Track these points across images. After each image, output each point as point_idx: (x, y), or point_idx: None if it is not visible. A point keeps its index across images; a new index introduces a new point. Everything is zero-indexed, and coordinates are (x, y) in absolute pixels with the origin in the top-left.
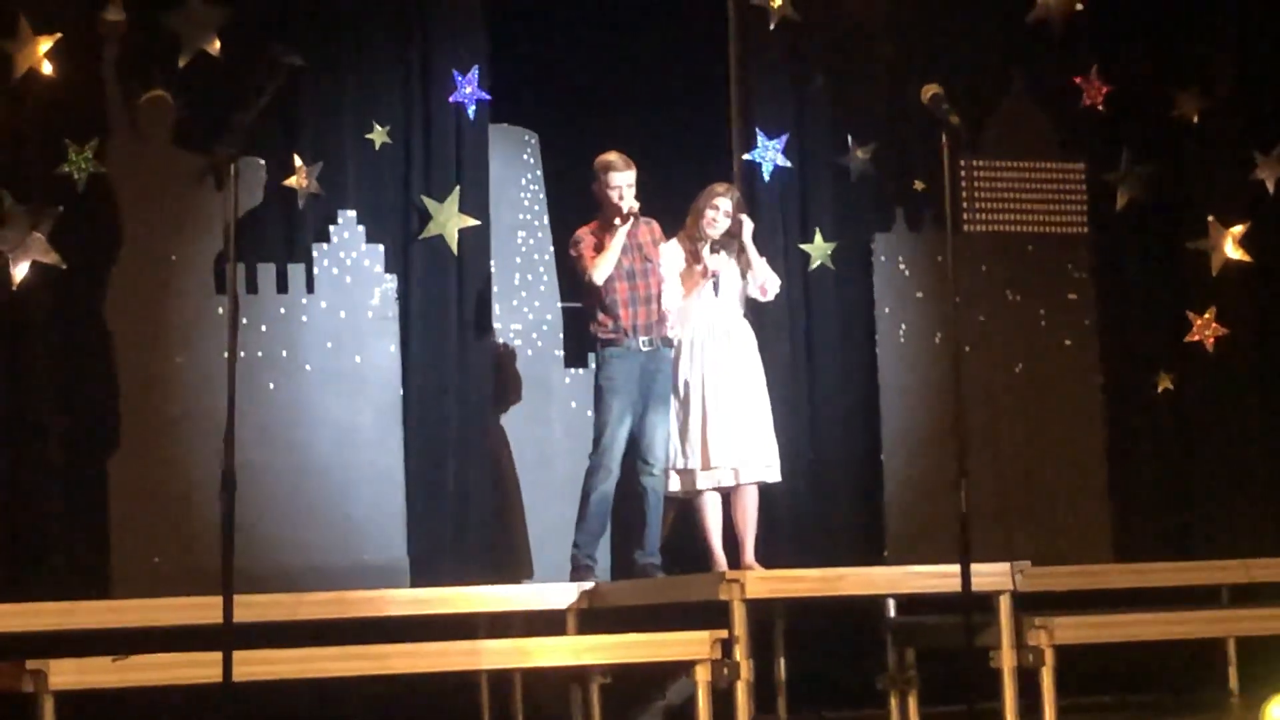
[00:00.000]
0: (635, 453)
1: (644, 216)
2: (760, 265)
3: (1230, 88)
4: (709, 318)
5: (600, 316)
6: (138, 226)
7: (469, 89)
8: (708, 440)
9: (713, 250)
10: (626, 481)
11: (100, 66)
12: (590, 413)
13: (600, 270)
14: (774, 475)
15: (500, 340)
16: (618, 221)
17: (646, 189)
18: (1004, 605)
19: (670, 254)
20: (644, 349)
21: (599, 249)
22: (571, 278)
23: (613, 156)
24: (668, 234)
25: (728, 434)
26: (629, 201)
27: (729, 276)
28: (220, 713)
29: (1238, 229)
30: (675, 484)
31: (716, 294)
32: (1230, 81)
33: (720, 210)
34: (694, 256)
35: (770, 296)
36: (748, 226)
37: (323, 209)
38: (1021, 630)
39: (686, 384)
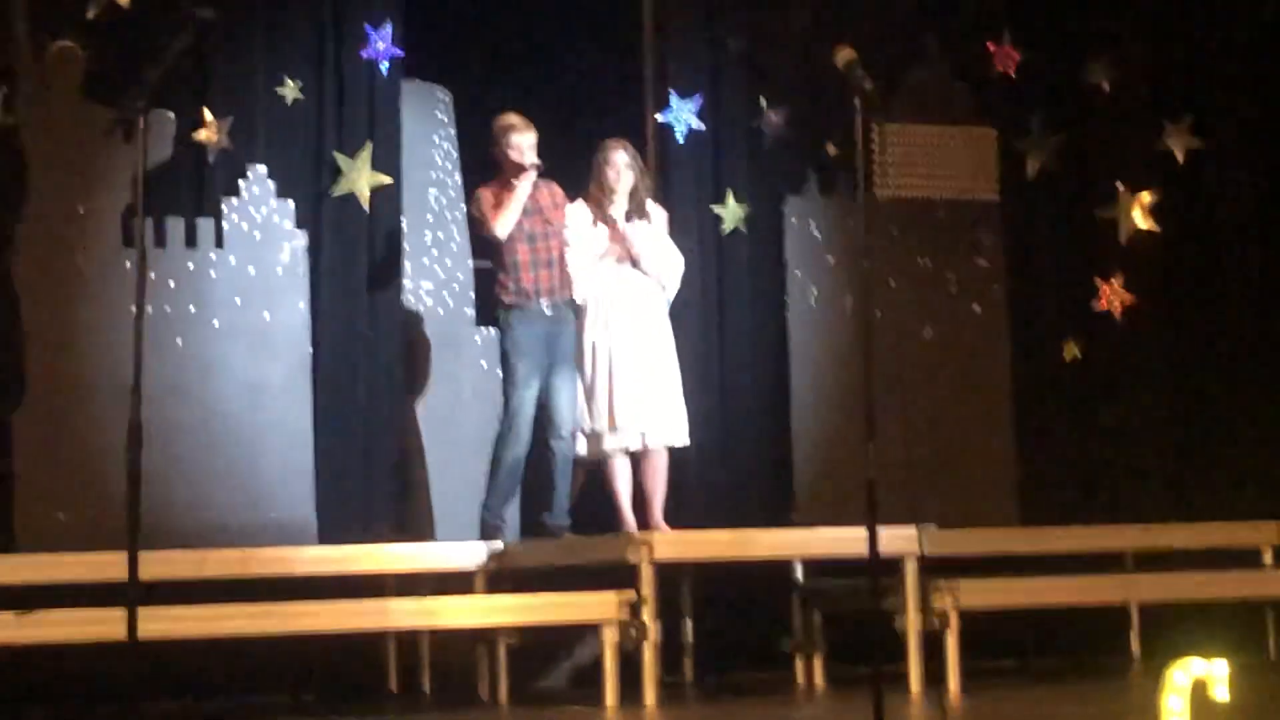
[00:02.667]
0: (542, 415)
1: (544, 178)
2: (655, 263)
3: (1141, 56)
4: (617, 279)
5: (501, 279)
6: (45, 179)
7: (382, 44)
8: (614, 403)
9: (628, 218)
10: (534, 444)
11: (8, 14)
12: (499, 372)
13: (502, 224)
14: (682, 439)
15: (410, 298)
16: (516, 181)
17: (556, 149)
18: (910, 569)
19: (576, 215)
20: (547, 312)
21: (498, 206)
22: (475, 234)
23: (513, 118)
24: (572, 196)
25: (635, 397)
26: (530, 159)
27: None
28: (125, 669)
29: (1147, 197)
30: (583, 447)
31: (634, 264)
32: (1141, 50)
33: (618, 165)
34: (601, 217)
35: (670, 293)
36: (639, 239)
37: (233, 164)
38: (927, 594)
39: (594, 346)
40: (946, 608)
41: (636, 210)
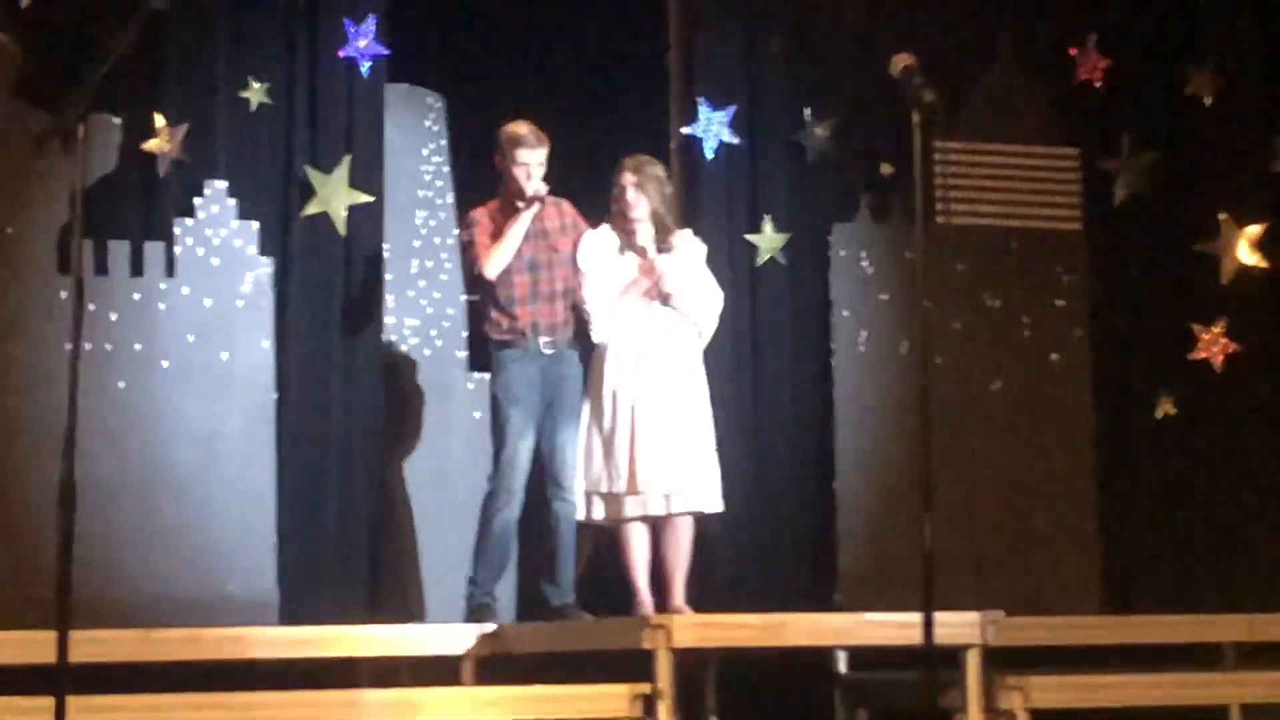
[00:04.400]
0: (544, 474)
1: (554, 196)
2: (690, 301)
3: (1249, 64)
4: (643, 318)
5: (494, 314)
6: None
7: (363, 41)
8: (636, 461)
9: (657, 247)
10: (533, 507)
11: None
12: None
13: (494, 263)
14: (714, 504)
15: (392, 337)
16: (521, 205)
17: (568, 164)
18: (972, 661)
19: (597, 243)
20: (545, 351)
21: (496, 235)
22: (467, 269)
23: (522, 129)
24: (593, 220)
25: (660, 454)
26: (536, 183)
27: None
28: None
29: (1254, 229)
30: (599, 511)
31: (664, 302)
32: (1249, 57)
33: (626, 188)
34: (629, 246)
35: (706, 336)
36: (670, 274)
37: (188, 178)
38: (992, 691)
39: (614, 394)
40: (1015, 708)
41: (663, 238)
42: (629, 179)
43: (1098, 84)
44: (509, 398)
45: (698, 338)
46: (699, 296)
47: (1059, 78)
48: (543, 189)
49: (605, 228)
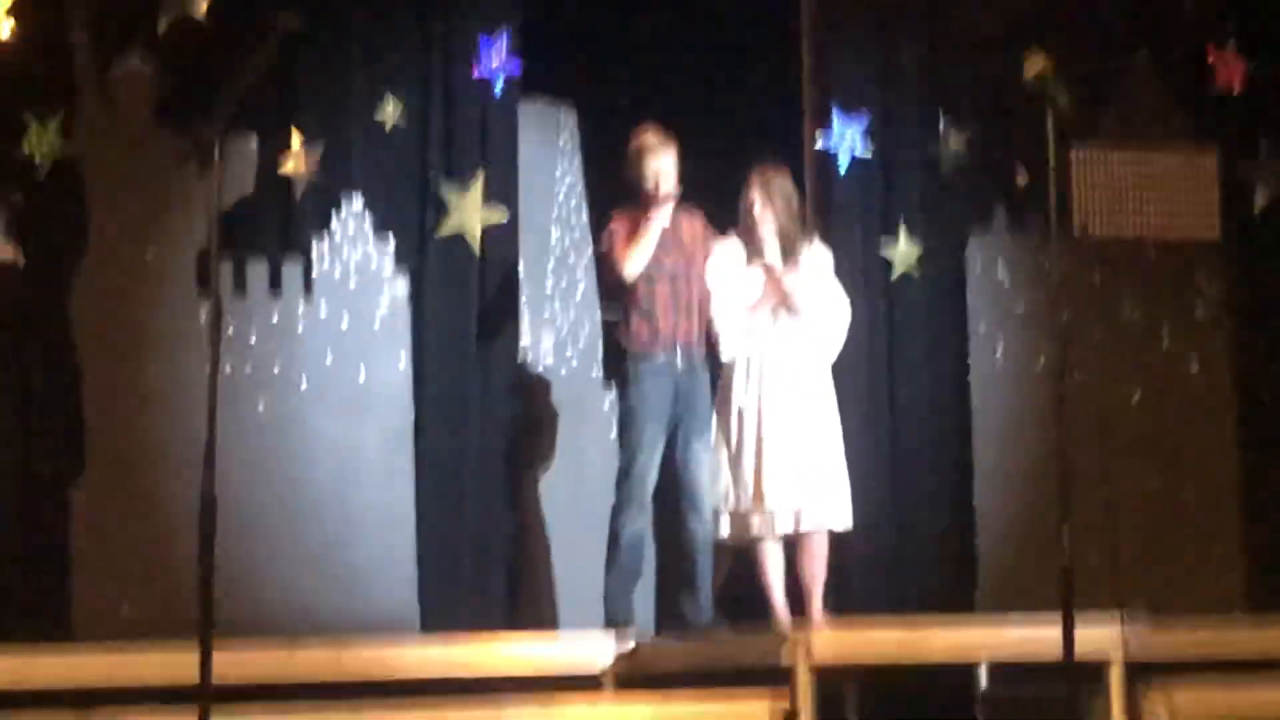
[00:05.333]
0: (677, 492)
1: (687, 208)
2: (817, 315)
3: None
4: (771, 333)
5: (634, 323)
6: (109, 217)
7: (496, 59)
8: (763, 478)
9: (786, 260)
10: (669, 525)
11: (67, 30)
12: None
13: (633, 262)
14: (843, 521)
15: (528, 357)
16: (655, 210)
17: (701, 175)
18: (1115, 672)
19: (725, 255)
20: (680, 364)
21: (631, 240)
22: (605, 280)
23: (648, 136)
24: (723, 229)
25: (789, 471)
26: (668, 184)
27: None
28: None
29: None
30: (725, 528)
31: (792, 315)
32: None
33: (754, 202)
34: (756, 256)
35: (834, 350)
36: (799, 290)
37: (324, 198)
38: (1136, 702)
39: (741, 411)
40: (1161, 716)
41: (789, 251)
42: (756, 193)
43: (1236, 87)
44: (643, 410)
45: (826, 352)
46: (827, 309)
47: (1197, 81)
48: (675, 188)
49: (734, 240)
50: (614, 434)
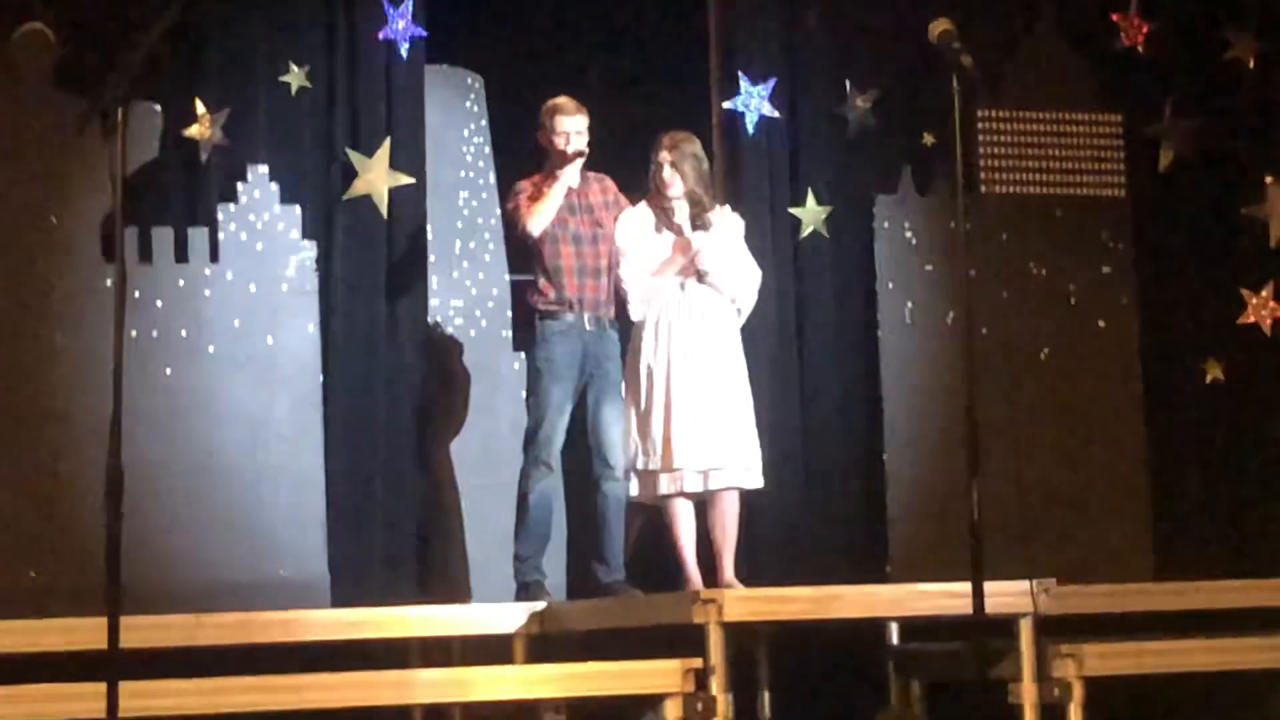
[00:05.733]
0: (590, 453)
1: (596, 172)
2: (727, 278)
3: None
4: (680, 295)
5: (540, 284)
6: (11, 184)
7: (402, 23)
8: (671, 437)
9: (693, 224)
10: (582, 487)
11: None
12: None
13: (536, 219)
14: (754, 480)
15: (437, 318)
16: (562, 170)
17: (609, 144)
18: (1025, 630)
19: (634, 220)
20: (589, 326)
21: (537, 199)
22: (513, 241)
23: (561, 99)
24: (633, 198)
25: (697, 430)
26: (576, 145)
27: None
28: None
29: None
30: (635, 488)
31: (700, 279)
32: None
33: (663, 165)
34: (665, 224)
35: (745, 312)
36: (706, 251)
37: (230, 164)
38: (1045, 659)
39: (649, 370)
40: (1069, 675)
41: (699, 215)
42: (665, 156)
43: (1140, 48)
44: (550, 371)
45: (735, 315)
46: (736, 273)
47: (1101, 43)
48: (583, 149)
49: (643, 205)
50: (523, 394)
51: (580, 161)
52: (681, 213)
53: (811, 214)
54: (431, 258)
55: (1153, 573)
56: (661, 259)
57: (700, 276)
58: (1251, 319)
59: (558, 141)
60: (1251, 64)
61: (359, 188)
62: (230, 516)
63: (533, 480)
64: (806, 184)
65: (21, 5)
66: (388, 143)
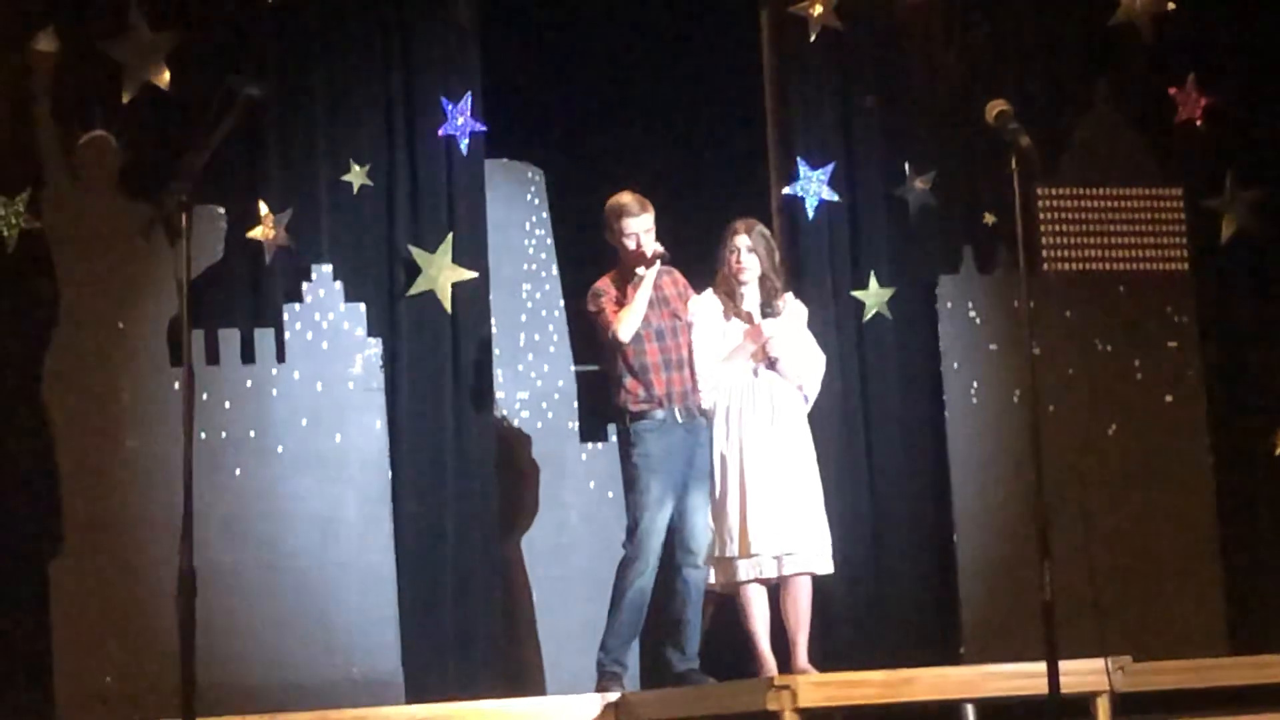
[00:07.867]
0: (672, 540)
1: (666, 265)
2: (794, 364)
3: None
4: (749, 382)
5: (628, 384)
6: (78, 289)
7: (461, 119)
8: (747, 524)
9: (763, 312)
10: (661, 574)
11: (31, 104)
12: (611, 494)
13: (626, 325)
14: (825, 565)
15: (503, 412)
16: (640, 270)
17: (671, 234)
18: (1102, 708)
19: (703, 309)
20: (679, 419)
21: (622, 302)
22: (590, 339)
23: (625, 198)
24: (696, 286)
25: (771, 516)
26: (651, 244)
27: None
28: None
29: None
30: (712, 575)
31: (770, 366)
32: None
33: (739, 250)
34: (733, 311)
35: (811, 399)
36: (777, 338)
37: (294, 264)
38: None
39: (723, 458)
40: None
41: (769, 302)
42: (743, 241)
43: (1198, 122)
44: (649, 467)
45: (803, 401)
46: (804, 359)
47: (1159, 118)
48: (659, 248)
49: (709, 293)
50: (592, 485)
51: (659, 262)
52: (750, 299)
53: (874, 296)
54: (496, 351)
55: (1227, 647)
56: (732, 346)
57: (771, 363)
58: None
59: (627, 243)
60: None
61: (422, 284)
62: (302, 615)
63: (631, 575)
64: (868, 267)
65: (84, 112)
66: (450, 238)
